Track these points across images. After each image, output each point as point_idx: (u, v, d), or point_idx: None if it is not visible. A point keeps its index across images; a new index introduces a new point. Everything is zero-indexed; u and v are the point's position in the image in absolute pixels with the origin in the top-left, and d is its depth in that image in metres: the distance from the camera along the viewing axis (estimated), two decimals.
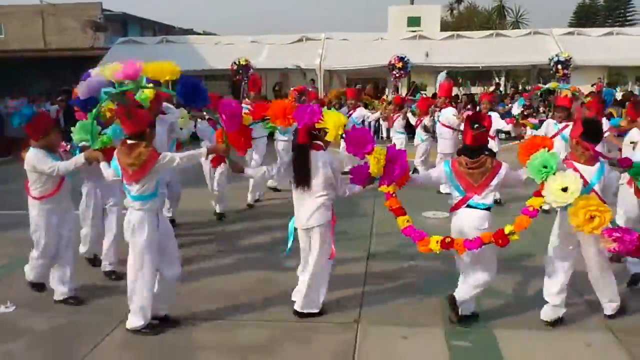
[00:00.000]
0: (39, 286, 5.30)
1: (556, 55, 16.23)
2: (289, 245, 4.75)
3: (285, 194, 9.65)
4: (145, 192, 4.25)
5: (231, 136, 4.55)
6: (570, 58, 16.11)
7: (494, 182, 4.29)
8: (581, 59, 16.77)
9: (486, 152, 4.37)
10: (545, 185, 4.02)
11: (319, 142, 4.50)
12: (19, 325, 4.73)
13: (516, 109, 9.46)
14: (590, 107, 7.76)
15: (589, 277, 4.58)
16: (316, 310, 4.70)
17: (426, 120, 10.09)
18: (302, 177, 4.46)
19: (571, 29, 18.14)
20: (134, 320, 4.42)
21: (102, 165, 4.65)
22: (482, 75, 28.65)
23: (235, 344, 4.30)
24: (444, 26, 30.86)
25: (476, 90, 30.89)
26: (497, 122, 8.73)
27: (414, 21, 19.33)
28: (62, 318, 4.79)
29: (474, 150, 4.33)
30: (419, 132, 10.21)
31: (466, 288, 4.49)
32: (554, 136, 7.60)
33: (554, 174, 3.99)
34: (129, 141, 4.25)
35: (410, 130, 11.09)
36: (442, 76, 8.79)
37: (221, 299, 5.12)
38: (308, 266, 4.63)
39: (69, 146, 5.43)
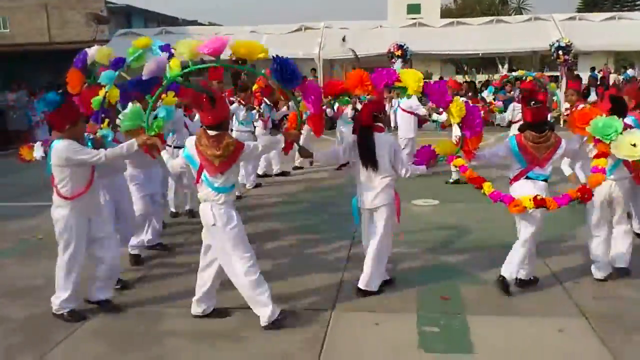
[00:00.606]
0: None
1: (557, 41, 16.04)
2: (357, 222, 4.98)
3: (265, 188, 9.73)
4: (227, 184, 4.14)
5: (313, 119, 4.54)
6: (571, 44, 15.92)
7: (556, 155, 4.68)
8: (583, 45, 16.60)
9: (547, 127, 4.71)
10: (613, 144, 4.49)
11: (380, 125, 4.67)
12: None
13: (486, 96, 9.88)
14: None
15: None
16: (375, 290, 4.84)
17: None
18: (369, 159, 4.60)
19: (572, 14, 17.91)
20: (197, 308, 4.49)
21: (164, 154, 4.48)
22: (487, 62, 28.38)
23: (205, 331, 4.32)
24: (447, 13, 30.58)
25: (481, 77, 30.67)
26: None
27: (413, 8, 19.26)
28: (39, 307, 4.82)
29: (538, 125, 4.63)
30: None
31: (520, 250, 4.75)
32: (519, 120, 8.02)
33: (620, 133, 4.47)
34: (210, 132, 4.06)
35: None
36: (398, 64, 8.85)
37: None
38: (372, 245, 4.78)
39: None
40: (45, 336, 4.34)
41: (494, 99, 10.23)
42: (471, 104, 5.21)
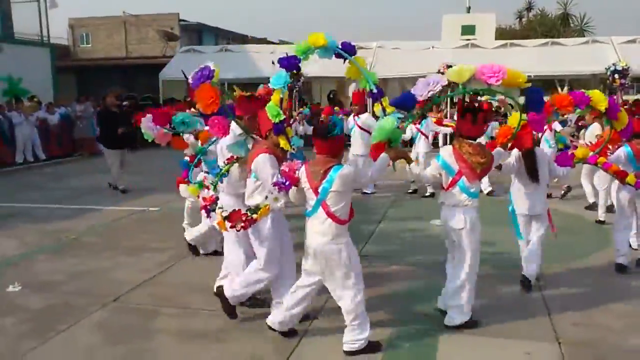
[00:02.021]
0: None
1: (613, 65, 15.51)
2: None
3: None
4: (477, 190, 4.59)
5: (524, 135, 4.97)
6: (628, 67, 15.37)
7: None
8: None
9: None
10: None
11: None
12: (17, 302, 5.33)
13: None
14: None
15: None
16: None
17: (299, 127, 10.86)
18: (535, 174, 5.31)
19: (633, 37, 17.28)
20: (457, 318, 4.59)
21: (415, 167, 4.69)
22: (548, 84, 27.70)
23: (189, 330, 4.66)
24: (512, 34, 30.14)
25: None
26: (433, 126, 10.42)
27: (468, 29, 19.11)
28: (54, 299, 5.35)
29: None
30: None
31: None
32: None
33: None
34: (471, 142, 4.47)
35: None
36: (353, 86, 8.87)
37: (197, 291, 5.50)
38: (538, 242, 5.44)
39: None
40: (52, 325, 4.79)
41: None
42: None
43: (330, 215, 3.99)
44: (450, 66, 16.42)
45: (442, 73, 16.36)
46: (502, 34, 31.57)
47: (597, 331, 4.59)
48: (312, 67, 18.12)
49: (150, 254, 6.72)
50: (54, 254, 6.89)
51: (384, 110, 4.40)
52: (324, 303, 5.11)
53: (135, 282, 5.78)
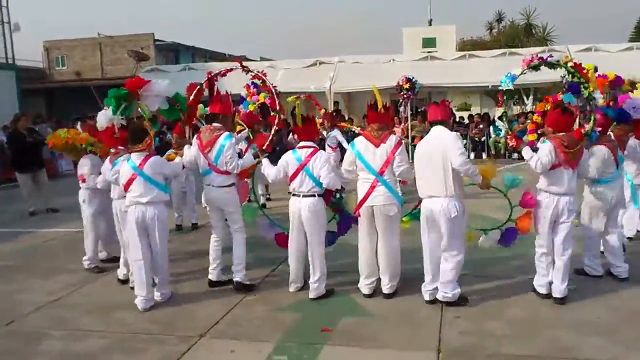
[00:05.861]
0: None
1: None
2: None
3: None
4: None
5: None
6: None
7: None
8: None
9: None
10: None
11: None
12: None
13: None
14: None
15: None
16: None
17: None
18: None
19: (589, 45, 17.46)
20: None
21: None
22: (515, 93, 27.91)
23: (69, 353, 4.58)
24: (482, 45, 30.38)
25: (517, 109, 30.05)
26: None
27: (429, 42, 19.29)
28: None
29: None
30: None
31: None
32: None
33: None
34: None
35: None
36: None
37: (94, 313, 5.44)
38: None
39: None
40: None
41: None
42: None
43: None
44: (410, 79, 16.83)
45: (402, 86, 16.75)
46: (474, 45, 31.84)
47: (480, 338, 4.54)
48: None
49: (64, 275, 6.61)
50: None
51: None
52: (220, 318, 5.10)
53: (38, 304, 5.69)
